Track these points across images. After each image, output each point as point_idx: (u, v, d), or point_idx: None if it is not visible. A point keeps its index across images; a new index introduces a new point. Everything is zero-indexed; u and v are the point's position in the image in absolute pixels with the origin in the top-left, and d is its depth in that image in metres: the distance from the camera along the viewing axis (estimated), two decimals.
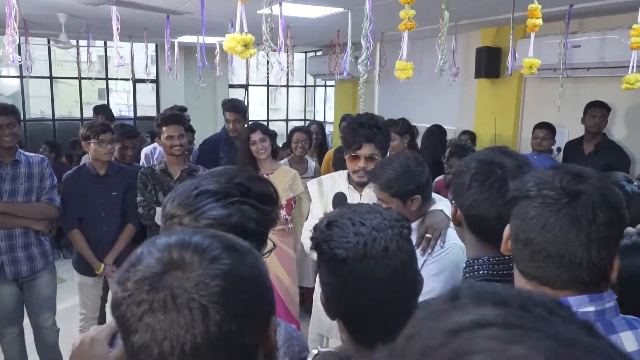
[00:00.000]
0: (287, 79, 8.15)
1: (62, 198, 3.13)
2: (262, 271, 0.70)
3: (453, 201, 1.25)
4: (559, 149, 4.45)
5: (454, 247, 1.92)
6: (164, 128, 3.20)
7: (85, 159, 6.04)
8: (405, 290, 0.91)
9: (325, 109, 8.72)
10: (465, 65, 5.22)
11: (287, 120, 8.84)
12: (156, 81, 8.02)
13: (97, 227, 3.21)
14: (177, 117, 3.28)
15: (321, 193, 2.58)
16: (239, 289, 0.64)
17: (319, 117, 8.81)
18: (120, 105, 9.66)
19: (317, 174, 4.07)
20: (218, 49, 6.53)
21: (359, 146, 2.33)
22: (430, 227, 1.95)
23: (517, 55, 4.72)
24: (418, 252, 1.89)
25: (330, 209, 2.50)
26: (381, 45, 5.76)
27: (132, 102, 8.25)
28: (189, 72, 7.56)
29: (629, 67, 4.02)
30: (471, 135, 4.95)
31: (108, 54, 7.96)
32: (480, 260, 1.20)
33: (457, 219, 1.29)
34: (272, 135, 3.39)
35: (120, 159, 3.52)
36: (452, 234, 1.96)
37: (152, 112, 8.37)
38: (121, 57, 3.76)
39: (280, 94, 8.68)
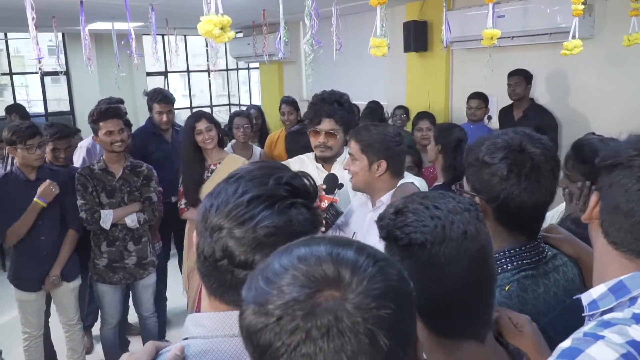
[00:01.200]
0: (208, 64, 7.92)
1: None
2: (410, 283, 0.62)
3: (475, 195, 1.20)
4: (489, 117, 4.62)
5: None
6: (101, 123, 2.95)
7: None
8: (486, 276, 0.88)
9: (250, 92, 8.53)
10: (394, 40, 5.26)
11: (211, 106, 8.55)
12: (66, 73, 7.44)
13: (35, 237, 2.94)
14: (115, 110, 3.05)
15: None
16: (400, 308, 0.57)
17: (244, 102, 8.61)
18: (22, 101, 8.90)
19: (263, 159, 3.97)
20: (132, 35, 6.17)
21: (318, 121, 2.37)
22: (403, 195, 1.96)
23: (443, 27, 4.84)
24: None
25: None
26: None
27: (40, 97, 7.62)
28: (102, 61, 7.08)
29: (548, 34, 4.27)
30: (405, 110, 5.02)
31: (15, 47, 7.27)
32: (510, 252, 1.19)
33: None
34: (217, 123, 3.24)
35: (54, 161, 3.22)
36: None
37: (65, 107, 7.79)
38: (39, 48, 3.40)
39: (215, 79, 8.35)
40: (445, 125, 2.99)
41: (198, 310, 3.30)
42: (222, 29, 1.79)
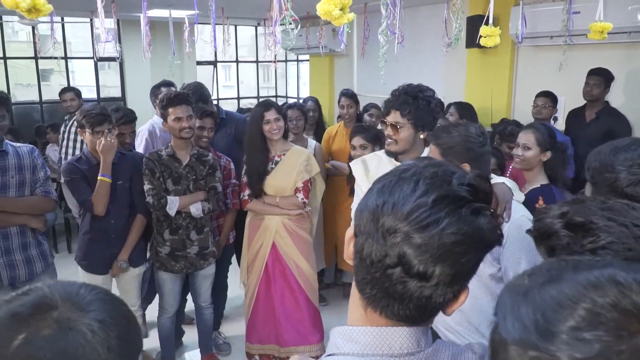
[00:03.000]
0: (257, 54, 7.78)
1: (71, 183, 2.87)
2: None
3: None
4: (555, 118, 4.43)
5: (521, 219, 1.83)
6: (170, 109, 2.93)
7: (50, 150, 5.67)
8: None
9: (299, 85, 8.46)
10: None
11: (257, 97, 8.51)
12: (120, 60, 7.51)
13: (104, 220, 2.93)
14: (184, 96, 3.00)
15: (366, 172, 2.45)
16: None
17: (291, 94, 8.55)
18: (78, 87, 9.06)
19: (318, 152, 3.88)
20: (187, 24, 6.17)
21: (387, 112, 2.29)
22: (497, 199, 1.81)
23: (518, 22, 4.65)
24: None
25: None
26: (365, 16, 5.55)
27: (88, 83, 7.72)
28: (154, 49, 7.10)
29: (627, 33, 4.04)
30: (463, 106, 4.84)
31: (66, 32, 7.37)
32: None
33: None
34: (285, 114, 3.17)
35: (118, 146, 3.20)
36: (517, 206, 1.87)
37: (117, 93, 7.88)
38: (107, 32, 3.39)
39: (279, 68, 8.31)
40: (547, 129, 2.83)
41: (256, 308, 3.25)
42: (342, 9, 1.69)
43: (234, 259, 3.86)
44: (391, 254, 0.71)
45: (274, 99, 9.18)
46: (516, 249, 1.83)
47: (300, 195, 3.11)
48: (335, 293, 4.43)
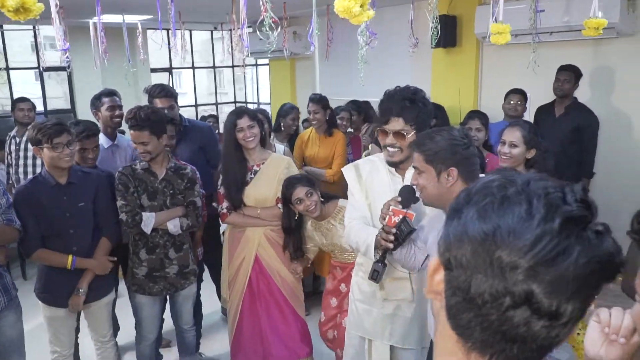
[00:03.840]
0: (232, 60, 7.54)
1: (18, 216, 2.55)
2: None
3: None
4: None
5: None
6: (131, 131, 2.73)
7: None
8: None
9: (258, 90, 8.27)
10: (420, 36, 5.06)
11: (195, 106, 8.25)
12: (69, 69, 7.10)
13: (66, 248, 2.66)
14: (140, 121, 2.71)
15: (359, 178, 2.33)
16: None
17: (240, 99, 8.36)
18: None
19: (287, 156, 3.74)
20: (140, 29, 5.89)
21: (386, 120, 2.15)
22: None
23: (476, 22, 4.66)
24: None
25: (372, 195, 2.27)
26: (328, 18, 5.45)
27: (35, 95, 7.25)
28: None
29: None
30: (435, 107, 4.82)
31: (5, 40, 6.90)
32: None
33: None
34: (260, 121, 3.01)
35: (81, 162, 2.95)
36: None
37: (63, 105, 7.46)
38: (65, 40, 3.12)
39: (247, 73, 8.05)
40: (532, 126, 2.80)
41: (240, 326, 3.06)
42: (361, 6, 1.56)
43: (205, 275, 3.68)
44: (514, 293, 0.59)
45: (232, 105, 8.99)
46: None
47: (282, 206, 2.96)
48: (315, 301, 4.29)
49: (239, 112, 2.94)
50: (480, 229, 0.62)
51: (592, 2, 3.52)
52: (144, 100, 7.19)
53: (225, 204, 3.01)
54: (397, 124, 2.11)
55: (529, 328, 0.60)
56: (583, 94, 4.27)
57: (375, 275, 2.04)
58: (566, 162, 3.82)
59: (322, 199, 2.87)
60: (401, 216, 1.91)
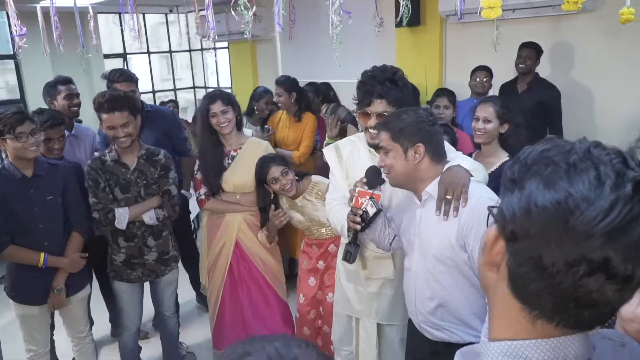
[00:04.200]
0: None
1: None
2: None
3: None
4: None
5: (479, 200, 1.72)
6: (103, 116, 2.59)
7: None
8: None
9: (218, 74, 8.07)
10: (384, 15, 5.06)
11: (153, 92, 8.01)
12: (13, 57, 6.72)
13: (36, 244, 2.55)
14: (115, 102, 2.62)
15: (339, 159, 2.32)
16: None
17: (199, 84, 8.16)
18: None
19: None
20: (91, 12, 5.63)
21: (368, 102, 2.10)
22: (449, 185, 1.75)
23: (439, 1, 4.69)
24: (440, 217, 1.77)
25: (352, 175, 2.25)
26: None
27: None
28: (54, 43, 6.43)
29: (552, 6, 4.20)
30: None
31: None
32: None
33: None
34: (236, 105, 2.94)
35: (47, 154, 2.81)
36: (475, 187, 1.78)
37: (9, 95, 7.09)
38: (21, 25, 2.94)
39: (212, 56, 7.77)
40: (503, 101, 2.84)
41: (222, 312, 3.02)
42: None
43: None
44: (591, 260, 0.59)
45: (191, 91, 8.76)
46: (480, 235, 1.69)
47: None
48: (291, 284, 4.28)
49: (212, 96, 2.87)
50: (551, 199, 0.62)
51: None
52: (98, 88, 6.93)
53: (203, 190, 2.94)
54: (379, 106, 2.08)
55: (602, 293, 0.61)
56: (543, 69, 4.37)
57: (348, 257, 2.05)
58: (532, 136, 3.92)
59: (297, 177, 2.84)
60: (368, 197, 1.90)
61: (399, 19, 3.27)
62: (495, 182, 2.78)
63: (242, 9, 2.47)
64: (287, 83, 4.14)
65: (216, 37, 3.64)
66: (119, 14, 7.09)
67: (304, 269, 2.95)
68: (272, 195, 2.84)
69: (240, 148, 2.93)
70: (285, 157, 3.84)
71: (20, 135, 2.43)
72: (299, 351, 0.60)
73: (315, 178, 2.88)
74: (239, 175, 2.90)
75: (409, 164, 1.80)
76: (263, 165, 2.78)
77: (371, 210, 1.90)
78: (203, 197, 2.94)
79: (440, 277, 1.81)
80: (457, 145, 3.26)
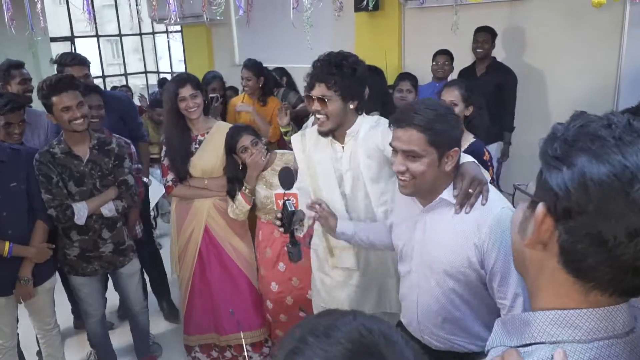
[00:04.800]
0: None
1: None
2: None
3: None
4: None
5: (503, 212, 1.55)
6: (54, 98, 2.44)
7: None
8: None
9: (171, 58, 7.88)
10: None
11: (125, 75, 7.79)
12: None
13: (0, 233, 2.44)
14: (69, 80, 2.52)
15: (303, 148, 2.30)
16: None
17: (165, 69, 7.96)
18: None
19: None
20: None
21: (311, 86, 2.08)
22: (474, 179, 1.59)
23: None
24: (455, 229, 1.59)
25: (312, 166, 2.23)
26: None
27: None
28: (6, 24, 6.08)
29: None
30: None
31: None
32: None
33: None
34: (203, 89, 2.89)
35: (6, 139, 2.68)
36: (495, 196, 1.61)
37: None
38: None
39: (174, 39, 7.51)
40: (467, 84, 2.92)
41: (192, 298, 2.99)
42: None
43: None
44: None
45: (140, 76, 8.52)
46: (504, 253, 1.51)
47: None
48: None
49: (181, 80, 2.81)
50: (607, 172, 0.63)
51: None
52: (45, 73, 6.64)
53: (170, 176, 2.89)
54: (319, 89, 2.05)
55: None
56: (498, 53, 4.52)
57: (290, 257, 2.01)
58: (490, 118, 4.06)
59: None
60: (285, 199, 1.90)
61: (364, 3, 3.29)
62: None
63: None
64: (256, 67, 4.09)
65: (177, 20, 3.55)
66: None
67: (268, 258, 2.89)
68: (241, 166, 2.78)
69: (207, 132, 2.89)
70: (261, 129, 3.79)
71: None
72: (382, 325, 0.61)
73: (280, 150, 2.89)
74: (207, 159, 2.86)
75: (440, 171, 1.58)
76: (234, 133, 2.74)
77: (286, 212, 1.89)
78: (170, 183, 2.89)
79: (449, 292, 1.65)
80: None
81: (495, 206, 1.56)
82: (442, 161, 1.57)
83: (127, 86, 6.29)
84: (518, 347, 0.72)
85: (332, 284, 2.37)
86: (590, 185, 0.63)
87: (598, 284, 0.68)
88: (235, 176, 2.80)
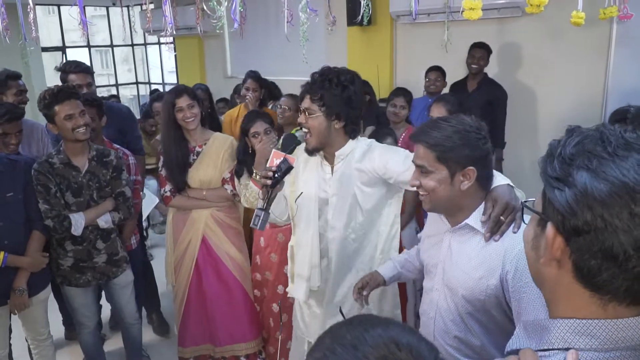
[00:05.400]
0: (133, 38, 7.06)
1: None
2: None
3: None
4: None
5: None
6: (57, 107, 2.47)
7: None
8: None
9: (162, 69, 7.89)
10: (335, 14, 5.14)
11: (116, 85, 7.78)
12: None
13: None
14: (72, 90, 2.57)
15: (296, 165, 2.10)
16: None
17: (156, 80, 7.96)
18: None
19: None
20: (31, 4, 5.36)
21: (301, 98, 2.03)
22: (507, 205, 1.48)
23: (390, 1, 4.83)
24: (477, 257, 1.51)
25: (297, 183, 2.17)
26: None
27: None
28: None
29: (497, 9, 4.44)
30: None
31: None
32: None
33: None
34: (200, 100, 2.92)
35: (3, 149, 2.67)
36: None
37: None
38: None
39: (170, 51, 7.51)
40: (455, 99, 2.96)
41: (187, 310, 2.98)
42: None
43: None
44: None
45: (134, 87, 8.50)
46: (529, 289, 1.30)
47: (229, 187, 2.91)
48: None
49: (178, 91, 2.83)
50: (608, 190, 0.65)
51: None
52: (37, 83, 6.59)
53: (168, 187, 2.90)
54: (305, 101, 2.00)
55: None
56: (489, 69, 4.61)
57: (257, 221, 1.91)
58: None
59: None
60: (282, 158, 1.90)
61: (359, 18, 3.36)
62: None
63: (215, 3, 2.46)
64: (260, 78, 4.17)
65: (173, 32, 3.58)
66: (58, 6, 6.79)
67: (273, 262, 2.92)
68: (251, 150, 2.79)
69: (205, 144, 2.91)
70: None
71: None
72: (413, 339, 0.63)
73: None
74: (204, 171, 2.88)
75: (454, 190, 1.50)
76: (250, 117, 2.84)
77: (283, 166, 1.89)
78: (168, 193, 2.89)
79: (467, 317, 1.59)
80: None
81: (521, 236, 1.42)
82: (455, 179, 1.49)
83: (116, 96, 6.28)
84: (536, 351, 0.74)
85: (308, 313, 2.29)
86: (594, 204, 0.66)
87: (614, 296, 0.70)
88: (244, 159, 2.82)
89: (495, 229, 1.47)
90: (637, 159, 0.66)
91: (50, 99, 2.48)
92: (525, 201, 0.85)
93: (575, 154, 0.69)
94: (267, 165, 1.92)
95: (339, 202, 2.05)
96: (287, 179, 2.06)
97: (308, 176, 2.13)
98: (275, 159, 1.92)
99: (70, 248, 2.63)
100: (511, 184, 1.56)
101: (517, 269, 1.39)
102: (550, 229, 0.72)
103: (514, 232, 1.45)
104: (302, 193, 2.13)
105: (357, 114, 2.03)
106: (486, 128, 1.57)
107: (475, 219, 1.52)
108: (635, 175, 0.65)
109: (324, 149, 2.04)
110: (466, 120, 1.52)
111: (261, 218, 1.91)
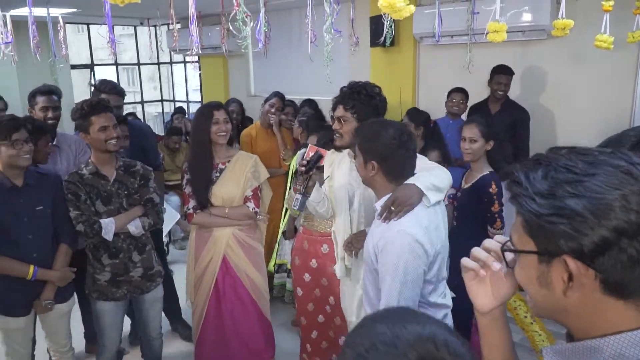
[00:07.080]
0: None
1: None
2: None
3: None
4: None
5: (399, 233, 1.77)
6: (93, 118, 2.56)
7: None
8: None
9: (187, 87, 8.04)
10: (359, 35, 5.19)
11: (142, 102, 7.94)
12: None
13: (25, 256, 2.48)
14: (106, 103, 2.68)
15: (331, 162, 2.57)
16: None
17: (180, 98, 8.10)
18: None
19: None
20: (61, 22, 5.54)
21: (334, 107, 2.43)
22: (397, 199, 1.83)
23: (414, 23, 4.86)
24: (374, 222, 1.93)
25: (333, 179, 2.54)
26: (266, 15, 5.42)
27: None
28: (21, 52, 6.25)
29: (522, 32, 4.43)
30: None
31: None
32: None
33: None
34: (231, 118, 2.97)
35: (33, 163, 2.74)
36: (411, 218, 1.81)
37: None
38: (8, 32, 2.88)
39: (195, 70, 7.70)
40: (486, 120, 3.03)
41: (205, 328, 2.98)
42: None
43: None
44: None
45: (158, 104, 8.66)
46: (386, 262, 1.78)
47: (251, 205, 2.93)
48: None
49: (216, 105, 2.91)
50: (606, 204, 0.69)
51: (525, 7, 3.82)
52: (66, 99, 6.73)
53: (191, 204, 2.92)
54: (339, 110, 2.38)
55: None
56: (512, 92, 4.60)
57: (295, 203, 2.31)
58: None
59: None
60: (315, 150, 2.33)
61: (382, 38, 3.39)
62: (471, 193, 2.92)
63: (240, 23, 2.52)
64: (284, 99, 4.34)
65: (199, 51, 3.67)
66: (87, 25, 6.98)
67: (296, 265, 3.00)
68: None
69: (228, 161, 2.94)
70: (273, 172, 3.82)
71: (16, 142, 2.40)
72: (451, 338, 0.66)
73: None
74: (227, 188, 2.90)
75: (366, 174, 1.93)
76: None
77: (315, 156, 2.32)
78: (192, 210, 2.92)
79: (366, 281, 1.99)
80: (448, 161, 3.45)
81: (394, 227, 1.80)
82: (367, 166, 1.90)
83: (133, 114, 6.40)
84: None
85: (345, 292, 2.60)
86: (603, 222, 0.69)
87: None
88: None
89: (384, 214, 1.84)
90: (605, 169, 0.72)
91: (88, 110, 2.57)
92: (503, 247, 0.87)
93: (554, 187, 0.72)
94: (305, 157, 2.33)
95: (364, 193, 2.40)
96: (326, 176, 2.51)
97: (341, 172, 2.51)
98: (311, 152, 2.33)
99: (108, 262, 2.67)
100: (419, 185, 1.85)
101: (380, 250, 1.81)
102: (572, 263, 0.72)
103: (394, 220, 1.81)
104: (332, 184, 2.54)
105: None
106: (410, 135, 1.93)
107: (379, 204, 1.91)
108: (619, 185, 0.70)
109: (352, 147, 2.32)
110: (390, 129, 1.87)
111: (299, 201, 2.30)
